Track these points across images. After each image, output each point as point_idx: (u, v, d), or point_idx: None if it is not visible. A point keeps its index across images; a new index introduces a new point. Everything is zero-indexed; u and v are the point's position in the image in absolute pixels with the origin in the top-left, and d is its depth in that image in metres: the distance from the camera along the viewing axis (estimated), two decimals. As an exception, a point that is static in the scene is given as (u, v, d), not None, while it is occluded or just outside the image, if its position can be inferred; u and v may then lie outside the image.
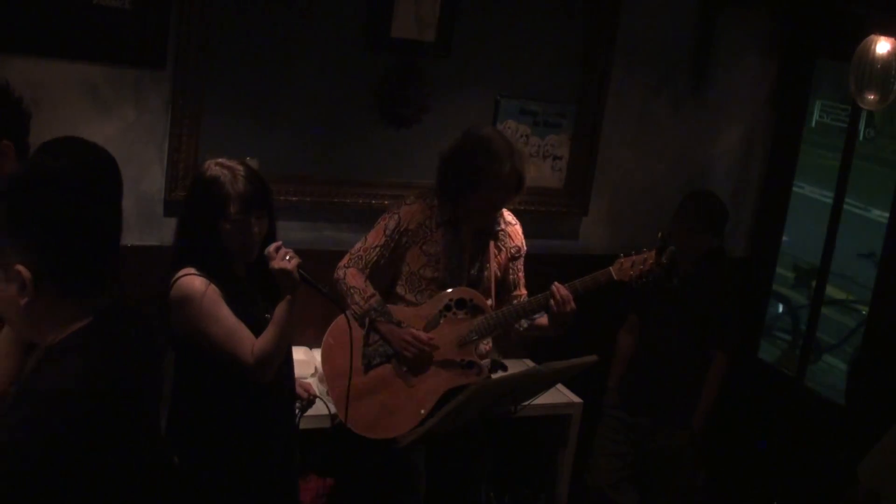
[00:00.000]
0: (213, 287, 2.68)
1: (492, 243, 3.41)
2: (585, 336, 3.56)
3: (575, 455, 4.07)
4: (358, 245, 3.38)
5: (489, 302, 3.36)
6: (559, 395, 3.98)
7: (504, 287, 3.49)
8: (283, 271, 2.71)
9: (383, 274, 3.40)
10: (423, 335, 3.28)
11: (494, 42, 4.02)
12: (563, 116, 4.21)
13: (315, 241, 3.82)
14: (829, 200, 4.54)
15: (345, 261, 3.38)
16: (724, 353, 4.03)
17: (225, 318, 2.69)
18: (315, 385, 3.69)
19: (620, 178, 4.45)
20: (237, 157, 2.85)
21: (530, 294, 3.46)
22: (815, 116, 7.80)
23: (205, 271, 2.71)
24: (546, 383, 3.40)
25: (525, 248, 3.52)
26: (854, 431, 3.99)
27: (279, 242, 2.78)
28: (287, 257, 2.73)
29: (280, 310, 2.74)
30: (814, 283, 4.84)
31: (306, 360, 3.78)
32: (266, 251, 2.76)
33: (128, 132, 3.53)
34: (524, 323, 3.38)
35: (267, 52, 3.65)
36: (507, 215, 3.48)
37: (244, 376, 2.73)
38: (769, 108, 4.68)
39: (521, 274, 3.52)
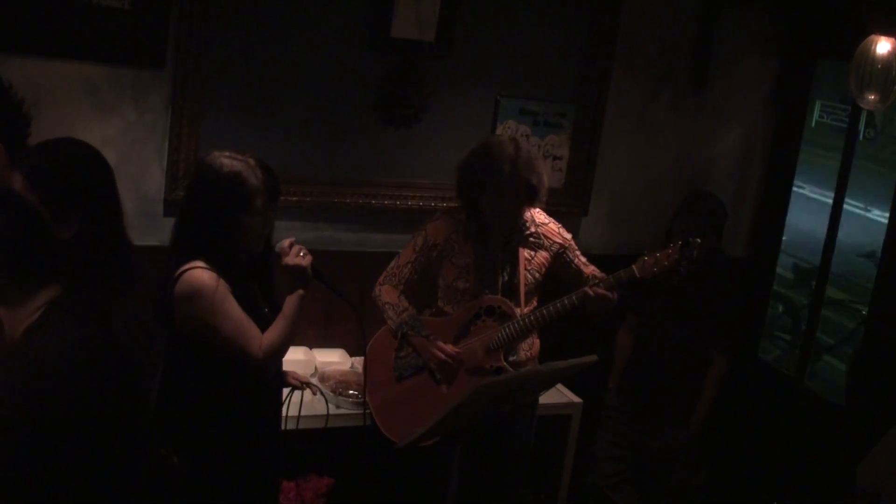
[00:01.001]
0: (222, 281, 2.69)
1: (522, 249, 3.43)
2: (585, 336, 3.56)
3: (575, 455, 4.07)
4: (392, 263, 3.48)
5: (519, 309, 3.38)
6: (559, 395, 3.97)
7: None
8: (299, 268, 2.78)
9: (423, 289, 3.49)
10: (447, 348, 3.33)
11: (494, 42, 4.02)
12: (563, 116, 4.21)
13: (315, 241, 3.81)
14: (829, 200, 4.54)
15: (381, 279, 3.48)
16: (723, 354, 4.03)
17: (235, 312, 2.70)
18: (315, 383, 3.70)
19: (620, 178, 4.45)
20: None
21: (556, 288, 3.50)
22: (815, 116, 7.79)
23: (215, 265, 2.70)
24: (546, 383, 3.40)
25: (570, 237, 3.53)
26: (854, 431, 3.99)
27: (292, 239, 2.83)
28: (301, 254, 2.80)
29: (290, 304, 2.80)
30: (814, 283, 4.83)
31: (306, 360, 3.78)
32: (279, 247, 2.81)
33: (128, 132, 3.53)
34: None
35: (267, 52, 3.65)
36: (539, 216, 3.49)
37: (245, 370, 2.75)
38: (769, 108, 4.68)
39: (579, 259, 3.53)
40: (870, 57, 3.80)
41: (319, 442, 3.53)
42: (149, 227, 3.59)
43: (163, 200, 3.62)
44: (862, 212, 7.34)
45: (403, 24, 3.78)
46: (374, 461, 3.53)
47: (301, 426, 3.22)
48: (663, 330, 4.02)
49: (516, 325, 3.34)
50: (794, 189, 4.78)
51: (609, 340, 4.16)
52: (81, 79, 3.42)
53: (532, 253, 3.45)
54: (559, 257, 3.50)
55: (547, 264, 3.48)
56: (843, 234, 4.50)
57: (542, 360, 3.45)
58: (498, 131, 4.06)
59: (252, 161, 2.75)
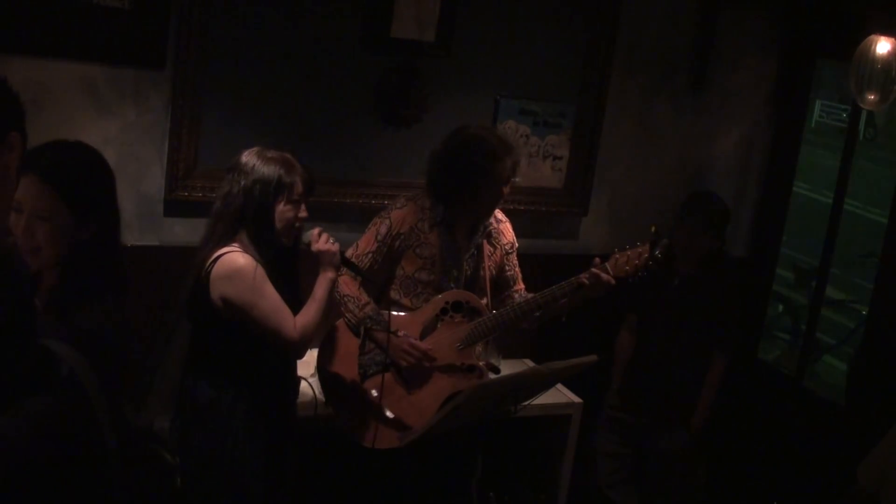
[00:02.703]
0: (259, 265, 2.82)
1: (485, 243, 3.40)
2: (585, 336, 3.56)
3: (575, 455, 4.07)
4: (349, 251, 3.29)
5: (484, 302, 3.35)
6: (559, 395, 3.97)
7: (502, 284, 3.48)
8: (329, 252, 2.95)
9: (375, 279, 3.35)
10: (420, 344, 3.25)
11: (494, 42, 4.02)
12: (563, 116, 4.21)
13: (315, 241, 3.82)
14: (829, 200, 4.54)
15: None
16: (723, 354, 4.03)
17: (272, 293, 2.83)
18: (315, 385, 3.70)
19: (620, 178, 4.45)
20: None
21: (528, 288, 3.49)
22: (815, 116, 7.79)
23: (250, 251, 2.82)
24: (546, 383, 3.39)
25: (517, 243, 3.53)
26: (854, 431, 3.99)
27: (321, 228, 3.01)
28: (331, 241, 2.97)
29: (321, 286, 2.95)
30: (814, 284, 4.84)
31: (306, 361, 3.77)
32: (308, 235, 2.98)
33: (128, 132, 3.53)
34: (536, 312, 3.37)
35: (267, 53, 3.65)
36: (498, 213, 3.46)
37: (272, 360, 2.90)
38: (769, 109, 4.68)
39: (517, 269, 3.52)
40: (870, 57, 3.80)
41: (319, 442, 3.53)
42: (149, 227, 3.60)
43: (163, 200, 3.61)
44: (862, 212, 7.35)
45: (403, 24, 3.78)
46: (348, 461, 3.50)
47: (301, 426, 3.22)
48: (664, 330, 4.02)
49: (487, 321, 3.29)
50: (794, 189, 4.78)
51: (609, 341, 4.16)
52: (81, 79, 3.42)
53: (492, 249, 3.42)
54: (506, 256, 3.47)
55: (500, 262, 3.46)
56: (843, 234, 4.49)
57: (541, 360, 3.44)
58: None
59: (289, 155, 2.94)
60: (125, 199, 3.54)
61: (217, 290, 2.81)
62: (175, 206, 3.59)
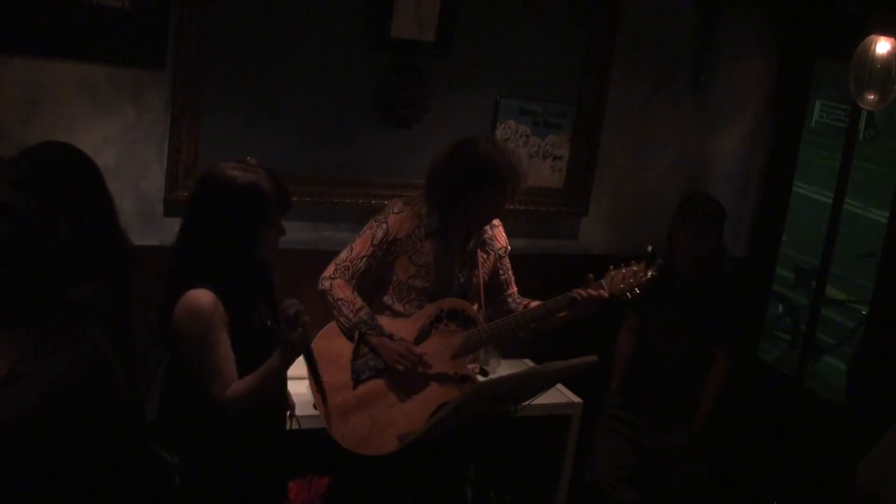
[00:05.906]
0: (220, 309, 2.58)
1: (479, 251, 3.39)
2: (585, 336, 3.56)
3: (575, 455, 4.07)
4: (343, 254, 3.30)
5: (476, 307, 3.34)
6: (559, 395, 3.98)
7: (495, 287, 3.48)
8: (295, 351, 2.60)
9: (366, 282, 3.33)
10: (416, 349, 3.23)
11: (494, 42, 4.02)
12: (563, 116, 4.21)
13: (315, 241, 3.82)
14: (829, 200, 4.54)
15: (330, 271, 3.28)
16: (725, 353, 4.03)
17: (220, 347, 2.58)
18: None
19: (620, 178, 4.45)
20: (236, 157, 2.83)
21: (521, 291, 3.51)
22: (815, 116, 7.79)
23: (221, 287, 2.59)
24: (546, 383, 3.40)
25: (509, 246, 3.52)
26: (854, 431, 3.99)
27: (300, 307, 2.57)
28: (300, 330, 2.56)
29: (271, 366, 2.61)
30: (814, 283, 4.84)
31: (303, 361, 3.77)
32: (285, 312, 2.57)
33: (128, 132, 3.53)
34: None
35: (266, 52, 3.65)
36: None
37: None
38: (769, 108, 4.68)
39: (510, 273, 3.51)
40: (869, 57, 3.80)
41: (319, 442, 3.53)
42: (149, 227, 3.60)
43: (163, 200, 3.62)
44: (862, 212, 7.35)
45: (403, 24, 3.78)
46: (347, 461, 3.46)
47: (300, 426, 3.21)
48: (665, 330, 4.02)
49: (482, 332, 3.28)
50: (794, 189, 4.78)
51: (609, 340, 4.16)
52: (81, 79, 3.42)
53: (485, 255, 3.41)
54: (499, 260, 3.46)
55: (494, 266, 3.44)
56: (843, 234, 4.49)
57: (541, 360, 3.45)
58: (498, 131, 4.05)
59: (260, 170, 2.66)
60: (125, 199, 3.56)
61: (175, 326, 2.60)
62: (175, 206, 3.59)
